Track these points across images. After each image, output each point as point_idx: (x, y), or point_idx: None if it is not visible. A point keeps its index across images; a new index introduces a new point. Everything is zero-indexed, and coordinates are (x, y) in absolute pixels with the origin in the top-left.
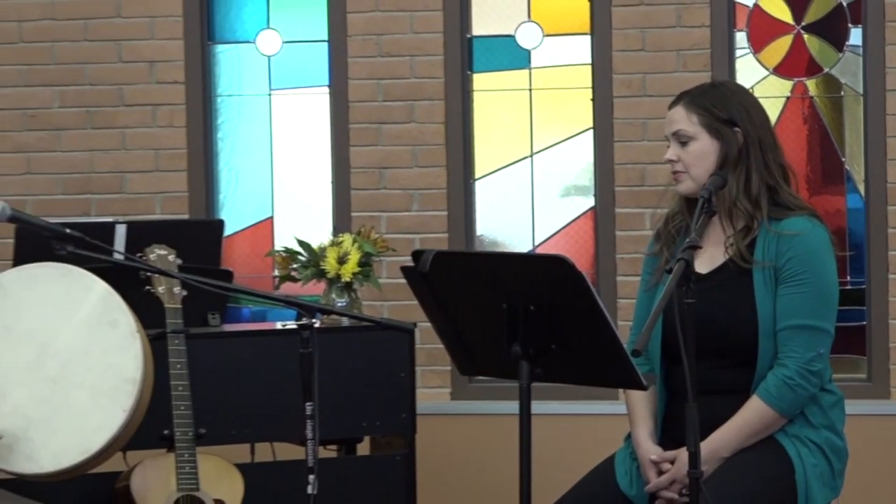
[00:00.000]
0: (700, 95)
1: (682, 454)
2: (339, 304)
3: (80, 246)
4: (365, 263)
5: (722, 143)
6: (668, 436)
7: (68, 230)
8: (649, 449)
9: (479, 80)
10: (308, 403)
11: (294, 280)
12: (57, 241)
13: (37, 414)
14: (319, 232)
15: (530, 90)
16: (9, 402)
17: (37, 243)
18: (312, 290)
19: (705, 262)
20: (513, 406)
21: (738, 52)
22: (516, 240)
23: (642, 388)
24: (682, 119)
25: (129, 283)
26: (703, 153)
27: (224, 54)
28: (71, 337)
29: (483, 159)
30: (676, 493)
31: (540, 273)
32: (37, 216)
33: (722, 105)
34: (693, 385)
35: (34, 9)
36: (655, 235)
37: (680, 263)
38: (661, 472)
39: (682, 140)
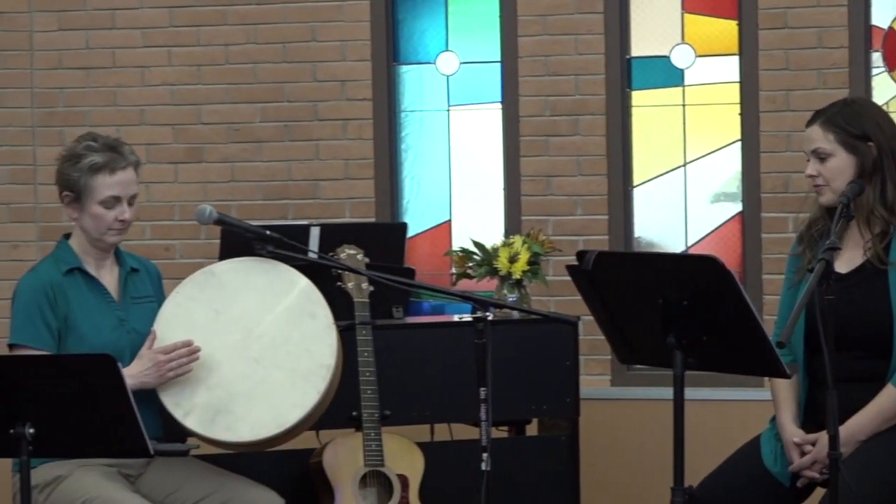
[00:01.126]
0: (835, 114)
1: (823, 437)
2: (511, 299)
3: (279, 246)
4: (533, 262)
5: (857, 157)
6: (810, 420)
7: (268, 232)
8: (793, 432)
9: (637, 97)
10: (482, 388)
11: (469, 277)
12: (258, 241)
13: (239, 389)
14: (492, 234)
15: (684, 106)
16: (215, 377)
17: (240, 243)
18: (486, 286)
19: (844, 263)
20: (667, 392)
21: (875, 71)
22: (670, 241)
23: (786, 376)
24: (820, 137)
25: (321, 279)
26: (840, 168)
27: (407, 74)
28: (274, 324)
29: (640, 168)
30: (817, 472)
31: (693, 271)
32: (240, 219)
33: (855, 122)
34: (833, 373)
35: (239, 34)
36: (798, 238)
37: (821, 263)
38: (803, 454)
39: (821, 156)
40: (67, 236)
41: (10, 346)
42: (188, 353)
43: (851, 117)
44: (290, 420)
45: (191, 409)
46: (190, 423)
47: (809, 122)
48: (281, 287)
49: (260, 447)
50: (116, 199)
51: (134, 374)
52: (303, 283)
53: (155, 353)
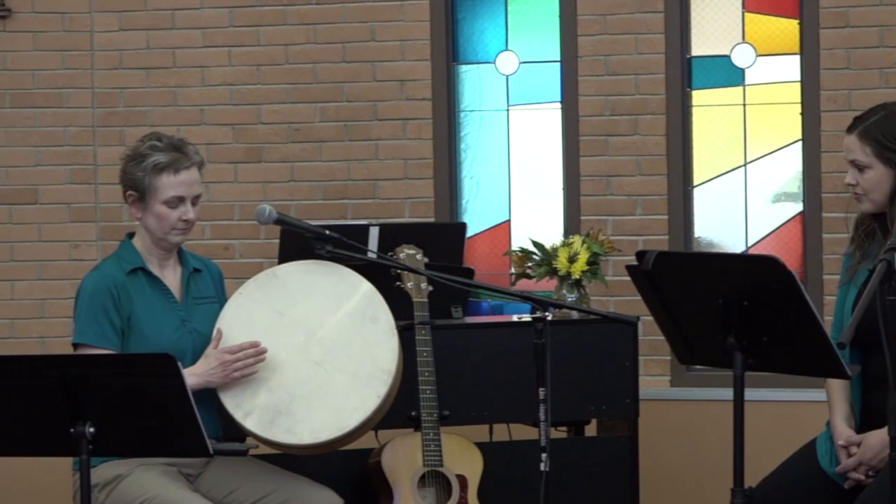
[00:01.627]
0: (872, 125)
1: (868, 438)
2: (570, 299)
3: (339, 246)
4: (593, 262)
5: (895, 169)
6: (866, 422)
7: (328, 231)
8: (840, 433)
9: (698, 97)
10: (541, 388)
11: (529, 277)
12: (318, 241)
13: (300, 391)
14: (552, 234)
15: (744, 105)
16: (276, 379)
17: (300, 243)
18: (545, 286)
19: None
20: (727, 393)
21: None
22: (731, 242)
23: (846, 377)
24: (857, 149)
25: (381, 279)
26: (878, 180)
27: (467, 74)
28: (336, 327)
29: (700, 168)
30: (863, 475)
31: (753, 271)
32: (300, 219)
33: (891, 134)
34: (893, 374)
35: (298, 34)
36: (850, 238)
37: (882, 264)
38: (850, 455)
39: (859, 167)
40: (131, 235)
41: (75, 346)
42: (255, 353)
43: (889, 129)
44: (350, 424)
45: (251, 410)
46: (250, 424)
47: (849, 129)
48: (343, 290)
49: (318, 450)
50: (180, 199)
51: (199, 372)
52: (365, 286)
53: (222, 353)
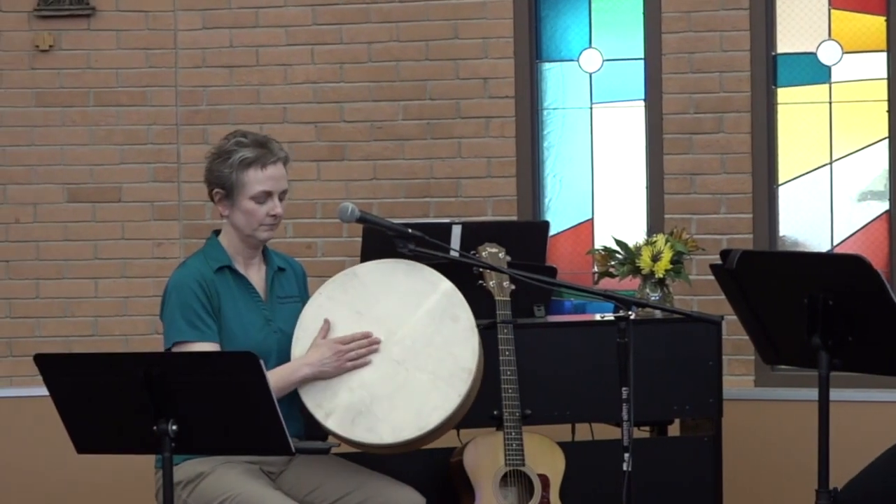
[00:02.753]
0: None
1: None
2: (653, 298)
3: (421, 244)
4: (676, 261)
5: None
6: None
7: (410, 230)
8: None
9: (783, 94)
10: (624, 388)
11: (612, 276)
12: (400, 239)
13: (381, 391)
14: (635, 232)
15: (830, 103)
16: (357, 378)
17: (382, 241)
18: (628, 285)
19: None
20: (812, 393)
21: None
22: (816, 240)
23: None
24: None
25: (463, 277)
26: None
27: (550, 71)
28: (416, 326)
29: (786, 166)
30: None
31: (839, 270)
32: (382, 217)
33: None
34: None
35: (381, 32)
36: None
37: None
38: None
39: None
40: (217, 232)
41: (173, 346)
42: (368, 343)
43: None
44: (431, 423)
45: (332, 410)
46: (331, 424)
47: None
48: (423, 289)
49: (399, 449)
50: (267, 194)
51: (313, 362)
52: (445, 285)
53: (335, 343)
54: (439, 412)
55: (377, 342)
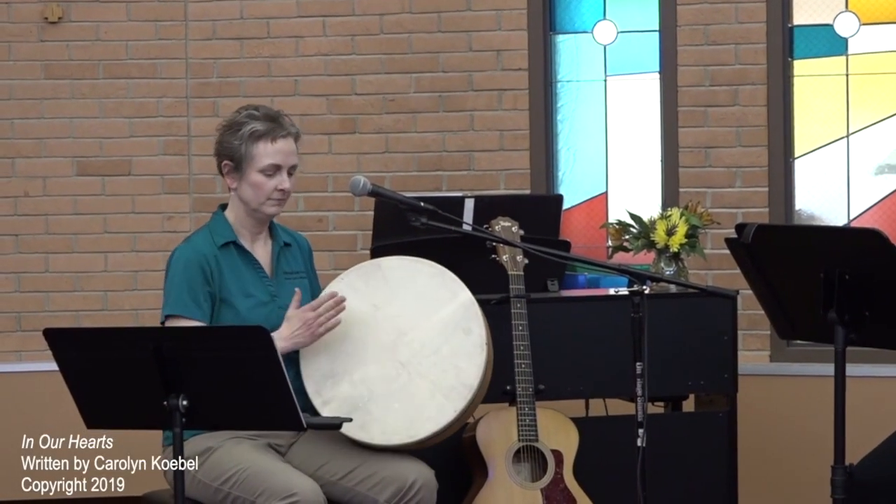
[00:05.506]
0: None
1: None
2: (668, 273)
3: (433, 218)
4: (691, 235)
5: None
6: None
7: (423, 203)
8: None
9: (799, 66)
10: (638, 363)
11: (626, 250)
12: (412, 212)
13: (381, 390)
14: (649, 206)
15: (847, 75)
16: (360, 372)
17: (394, 215)
18: (643, 259)
19: None
20: (828, 368)
21: None
22: (832, 215)
23: None
24: None
25: (476, 251)
26: None
27: (564, 44)
28: (427, 331)
29: (802, 140)
30: None
31: (855, 245)
32: (394, 191)
33: None
34: None
35: (393, 3)
36: None
37: None
38: None
39: None
40: (223, 207)
41: (165, 318)
42: (334, 304)
43: None
44: (421, 433)
45: (330, 399)
46: (327, 413)
47: None
48: (442, 295)
49: (387, 450)
50: (276, 168)
51: (285, 336)
52: (464, 295)
53: (303, 313)
54: (431, 424)
55: (342, 300)
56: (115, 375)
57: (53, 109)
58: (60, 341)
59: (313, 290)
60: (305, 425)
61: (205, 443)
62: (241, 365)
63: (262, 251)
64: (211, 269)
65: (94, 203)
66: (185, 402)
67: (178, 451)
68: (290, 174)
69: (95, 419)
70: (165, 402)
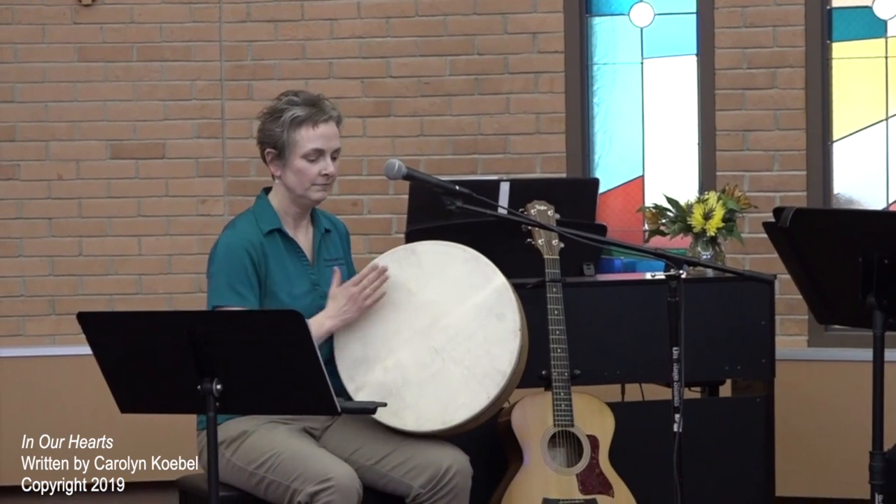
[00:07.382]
0: None
1: None
2: (705, 257)
3: (468, 201)
4: (729, 219)
5: None
6: None
7: (458, 187)
8: None
9: (838, 49)
10: (675, 348)
11: (662, 234)
12: (447, 196)
13: (414, 376)
14: (686, 190)
15: (886, 58)
16: (393, 358)
17: (429, 199)
18: (679, 243)
19: None
20: (866, 353)
21: None
22: (871, 198)
23: None
24: None
25: (511, 235)
26: None
27: (600, 26)
28: (461, 317)
29: (840, 122)
30: None
31: (894, 228)
32: (429, 174)
33: None
34: None
35: None
36: None
37: None
38: None
39: None
40: (267, 190)
41: (214, 308)
42: (377, 276)
43: None
44: (455, 420)
45: (363, 385)
46: (359, 399)
47: None
48: (477, 281)
49: (420, 436)
50: (319, 153)
51: (333, 314)
52: (498, 280)
53: (346, 289)
54: (465, 410)
55: (384, 270)
56: (148, 359)
57: (87, 92)
58: (94, 325)
59: (350, 276)
60: (340, 409)
61: (240, 426)
62: (276, 349)
63: (304, 238)
64: (257, 256)
65: (127, 186)
66: (218, 387)
67: (212, 436)
68: (333, 158)
69: (129, 404)
70: (199, 387)
